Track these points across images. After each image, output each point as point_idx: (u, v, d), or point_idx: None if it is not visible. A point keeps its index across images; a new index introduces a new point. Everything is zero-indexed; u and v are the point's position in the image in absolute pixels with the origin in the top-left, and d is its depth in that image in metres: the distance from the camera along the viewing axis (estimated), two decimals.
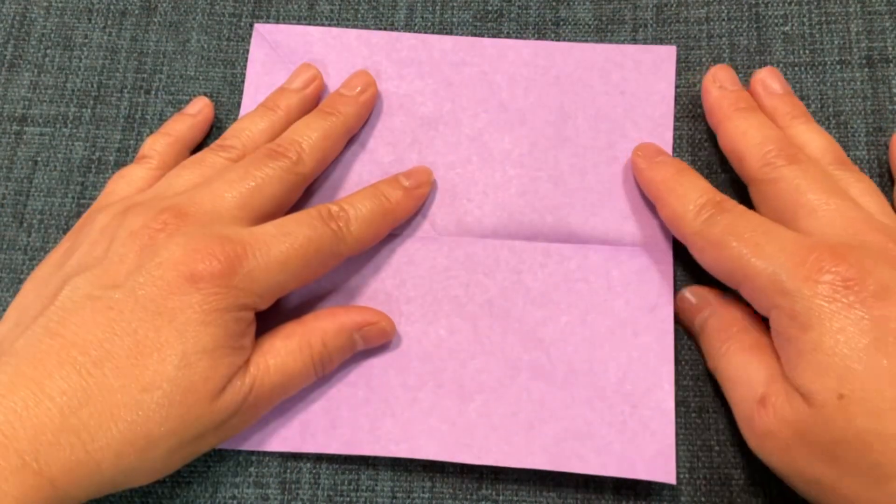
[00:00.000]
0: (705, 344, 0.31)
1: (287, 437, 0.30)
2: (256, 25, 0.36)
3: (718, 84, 0.33)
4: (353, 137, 0.34)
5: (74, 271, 0.28)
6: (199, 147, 0.35)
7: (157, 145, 0.33)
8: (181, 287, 0.27)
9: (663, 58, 0.35)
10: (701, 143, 0.34)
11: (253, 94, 0.35)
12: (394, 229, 0.33)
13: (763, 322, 0.29)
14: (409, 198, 0.32)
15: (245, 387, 0.28)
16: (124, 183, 0.32)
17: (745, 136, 0.31)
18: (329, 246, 0.30)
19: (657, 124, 0.34)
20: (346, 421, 0.31)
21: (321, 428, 0.30)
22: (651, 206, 0.32)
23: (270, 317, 0.30)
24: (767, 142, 0.30)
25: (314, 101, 0.34)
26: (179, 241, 0.27)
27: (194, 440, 0.27)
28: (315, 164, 0.32)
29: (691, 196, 0.30)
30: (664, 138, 0.34)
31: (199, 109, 0.35)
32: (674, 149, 0.34)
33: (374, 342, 0.31)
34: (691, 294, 0.32)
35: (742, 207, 0.29)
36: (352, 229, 0.30)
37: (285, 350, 0.29)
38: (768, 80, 0.33)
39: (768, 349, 0.28)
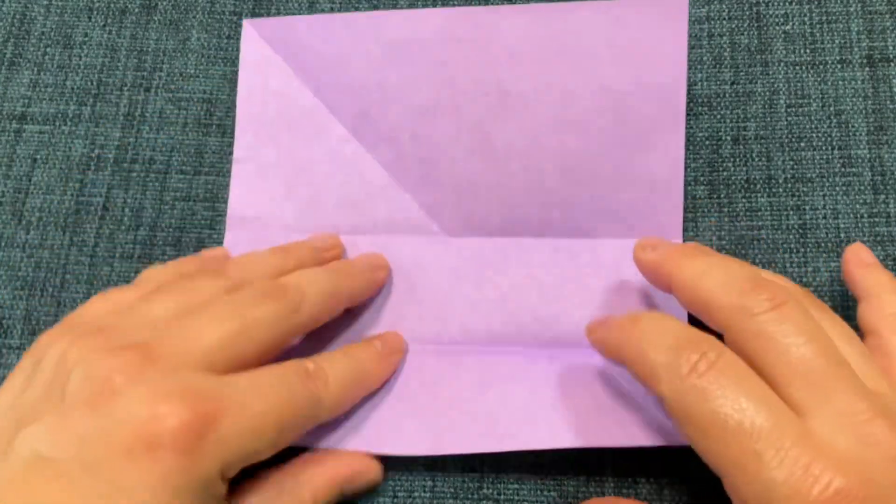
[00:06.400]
0: None
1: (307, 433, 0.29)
2: (245, 22, 0.35)
3: (650, 248, 0.28)
4: (353, 137, 0.34)
5: (28, 416, 0.24)
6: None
7: (158, 275, 0.29)
8: (140, 456, 0.22)
9: (672, 9, 0.32)
10: (702, 143, 0.34)
11: (247, 95, 0.34)
12: (401, 231, 0.33)
13: None
14: (383, 363, 0.30)
15: None
16: (101, 303, 0.28)
17: (704, 276, 0.26)
18: (307, 410, 0.26)
19: (668, 91, 0.32)
20: (366, 420, 0.30)
21: (339, 425, 0.30)
22: (659, 196, 0.32)
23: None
24: (736, 280, 0.25)
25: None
26: (138, 393, 0.23)
27: None
28: (313, 317, 0.29)
29: (661, 343, 0.25)
30: (676, 108, 0.32)
31: (214, 254, 0.32)
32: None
33: (360, 492, 0.29)
34: None
35: (726, 359, 0.23)
36: (330, 391, 0.27)
37: None
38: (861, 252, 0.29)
39: None
